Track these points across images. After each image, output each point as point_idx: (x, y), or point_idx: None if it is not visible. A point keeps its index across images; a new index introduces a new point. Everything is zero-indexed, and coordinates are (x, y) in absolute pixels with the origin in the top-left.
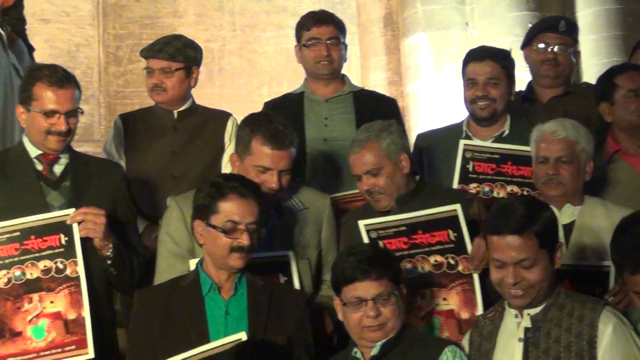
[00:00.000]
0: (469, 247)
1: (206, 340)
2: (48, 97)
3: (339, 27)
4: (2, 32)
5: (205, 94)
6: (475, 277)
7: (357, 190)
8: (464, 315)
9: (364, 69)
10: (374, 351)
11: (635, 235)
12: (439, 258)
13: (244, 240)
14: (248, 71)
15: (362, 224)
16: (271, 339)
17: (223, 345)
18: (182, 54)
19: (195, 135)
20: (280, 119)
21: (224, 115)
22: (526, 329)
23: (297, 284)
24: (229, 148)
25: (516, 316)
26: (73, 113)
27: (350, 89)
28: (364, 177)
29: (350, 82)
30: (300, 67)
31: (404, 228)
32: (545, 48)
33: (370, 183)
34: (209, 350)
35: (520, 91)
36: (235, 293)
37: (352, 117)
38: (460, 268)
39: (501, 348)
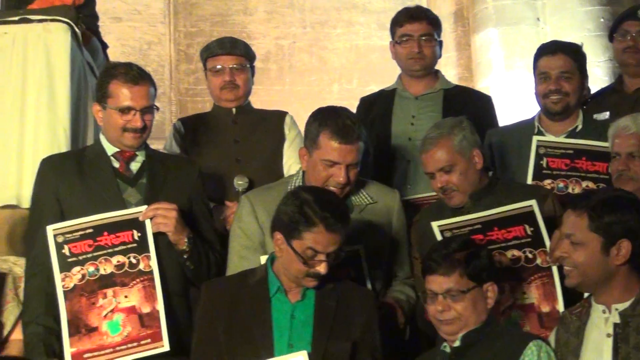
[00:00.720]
0: (547, 240)
1: (270, 342)
2: (123, 94)
3: (433, 23)
4: (77, 30)
5: (276, 91)
6: (555, 270)
7: (433, 193)
8: (545, 308)
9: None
10: (456, 343)
11: None
12: (516, 252)
13: (322, 268)
14: (318, 68)
15: (435, 225)
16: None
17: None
18: (250, 52)
19: (255, 127)
20: (348, 113)
21: (281, 112)
22: (615, 325)
23: (367, 278)
24: (289, 137)
25: (604, 312)
26: (148, 110)
27: (441, 86)
28: (437, 174)
29: (444, 78)
30: (370, 63)
31: (479, 226)
32: (625, 36)
33: (443, 180)
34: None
35: (610, 84)
36: (303, 298)
37: (439, 115)
38: (538, 261)
39: (590, 344)
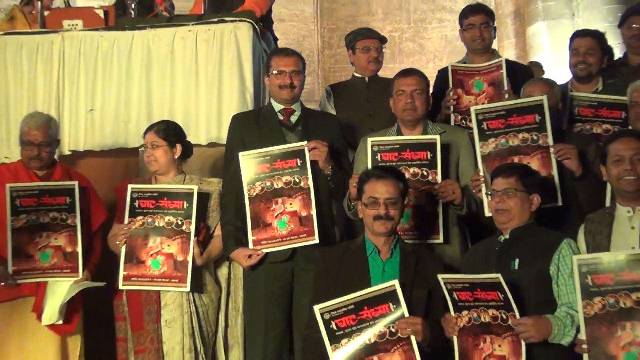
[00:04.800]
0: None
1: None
2: (278, 62)
3: (489, 14)
4: (257, 27)
5: (389, 68)
6: None
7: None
8: None
9: (500, 49)
10: (506, 236)
11: None
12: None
13: (382, 210)
14: (419, 52)
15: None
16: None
17: (378, 289)
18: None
19: (383, 91)
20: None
21: None
22: None
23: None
24: None
25: (628, 212)
26: (296, 73)
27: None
28: None
29: (498, 54)
30: (455, 47)
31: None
32: (632, 26)
33: None
34: (367, 293)
35: (618, 58)
36: (391, 256)
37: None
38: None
39: (618, 234)
